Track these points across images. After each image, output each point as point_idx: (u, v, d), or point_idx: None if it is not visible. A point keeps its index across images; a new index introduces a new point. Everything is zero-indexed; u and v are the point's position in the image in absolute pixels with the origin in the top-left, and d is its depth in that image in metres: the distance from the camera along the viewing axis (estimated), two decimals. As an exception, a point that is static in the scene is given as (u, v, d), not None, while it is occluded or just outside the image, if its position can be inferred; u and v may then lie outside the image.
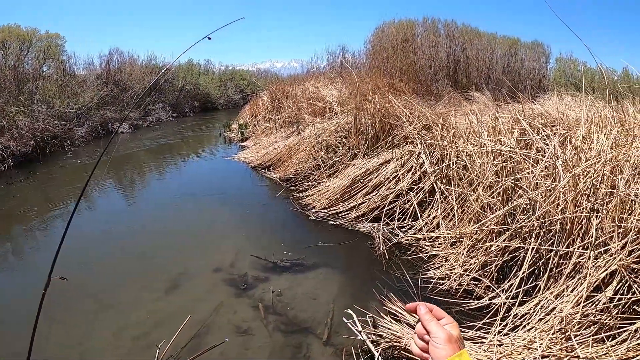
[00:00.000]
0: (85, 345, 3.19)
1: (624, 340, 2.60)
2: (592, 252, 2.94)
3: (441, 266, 4.12)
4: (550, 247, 3.27)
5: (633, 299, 2.70)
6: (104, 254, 4.86)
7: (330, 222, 5.49)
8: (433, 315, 0.99)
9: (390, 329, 3.06)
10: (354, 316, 3.24)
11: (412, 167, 5.48)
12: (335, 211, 5.74)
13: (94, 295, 3.93)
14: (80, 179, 8.50)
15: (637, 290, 2.67)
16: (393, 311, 3.30)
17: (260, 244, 4.92)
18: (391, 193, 5.40)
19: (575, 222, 3.22)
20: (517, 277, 3.38)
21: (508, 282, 3.46)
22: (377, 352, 2.90)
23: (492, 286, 3.52)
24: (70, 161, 10.15)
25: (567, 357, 2.54)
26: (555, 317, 2.83)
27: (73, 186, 7.94)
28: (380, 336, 3.07)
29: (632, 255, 2.77)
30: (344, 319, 3.30)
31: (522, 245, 3.50)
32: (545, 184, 3.52)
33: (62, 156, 10.61)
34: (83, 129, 12.75)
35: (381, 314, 3.25)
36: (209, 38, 3.23)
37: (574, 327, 2.72)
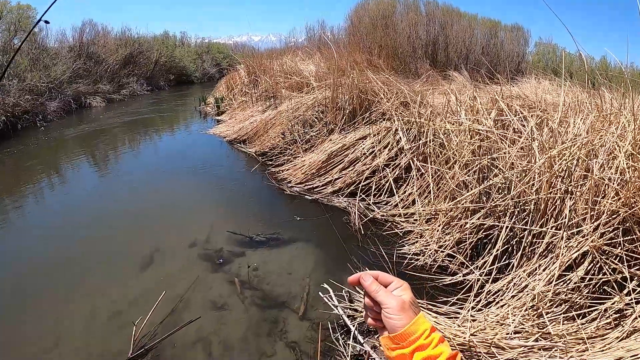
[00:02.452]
0: (59, 330, 3.12)
1: (594, 319, 2.67)
2: (564, 233, 2.99)
3: (416, 242, 4.16)
4: (524, 227, 3.32)
5: (603, 279, 2.76)
6: (74, 233, 4.76)
7: (306, 196, 5.49)
8: (380, 283, 0.97)
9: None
10: (330, 291, 3.26)
11: (388, 143, 5.49)
12: (311, 186, 5.73)
13: (66, 276, 3.87)
14: (52, 154, 8.35)
15: (608, 271, 2.74)
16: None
17: (236, 218, 4.90)
18: (367, 169, 5.41)
19: (549, 203, 3.26)
20: (491, 254, 3.43)
21: (482, 259, 3.50)
22: (353, 326, 2.93)
23: (467, 263, 3.57)
24: (42, 136, 9.91)
25: (539, 334, 2.60)
26: (527, 295, 2.89)
27: (45, 162, 7.78)
28: (356, 310, 3.10)
29: (604, 237, 2.83)
30: (320, 293, 3.32)
31: (497, 223, 3.54)
32: (521, 164, 3.55)
33: (34, 131, 10.35)
34: (55, 103, 12.42)
35: (357, 288, 3.27)
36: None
37: (545, 304, 2.78)
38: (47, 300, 3.50)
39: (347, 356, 2.74)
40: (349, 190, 5.40)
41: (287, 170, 6.34)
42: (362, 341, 2.81)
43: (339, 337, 2.91)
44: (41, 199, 5.87)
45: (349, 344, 2.82)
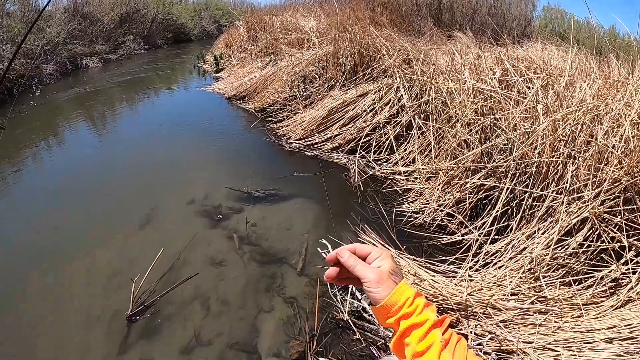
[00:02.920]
0: (59, 290, 3.15)
1: (590, 286, 2.68)
2: (565, 198, 2.98)
3: (416, 200, 4.15)
4: (525, 189, 3.30)
5: (601, 247, 2.77)
6: (71, 193, 4.75)
7: (306, 152, 5.46)
8: (358, 255, 0.98)
9: (364, 261, 3.09)
10: (329, 246, 3.25)
11: (390, 100, 5.43)
12: (310, 142, 5.69)
13: (65, 236, 3.87)
14: (50, 117, 8.25)
15: (607, 239, 2.73)
16: (367, 242, 3.33)
17: (234, 175, 4.87)
18: (368, 126, 5.36)
19: (551, 167, 3.24)
20: (491, 215, 3.43)
21: (481, 219, 3.50)
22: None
23: (466, 223, 3.57)
24: (39, 100, 9.78)
25: (535, 297, 2.61)
26: (525, 257, 2.89)
27: (42, 125, 7.70)
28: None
29: (604, 205, 2.82)
30: (318, 249, 3.32)
31: (497, 184, 3.52)
32: (524, 125, 3.51)
33: (30, 95, 10.21)
34: (51, 65, 12.18)
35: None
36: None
37: (543, 268, 2.79)
38: (46, 260, 3.51)
39: (345, 312, 2.75)
40: (349, 146, 5.36)
41: (287, 126, 6.28)
42: (359, 297, 2.82)
43: (337, 292, 2.93)
44: (39, 161, 5.82)
45: (346, 299, 2.84)
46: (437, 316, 0.89)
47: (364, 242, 3.33)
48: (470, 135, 4.05)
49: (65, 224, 4.10)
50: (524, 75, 4.29)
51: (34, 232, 3.99)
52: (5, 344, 2.71)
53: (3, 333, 2.80)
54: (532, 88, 3.80)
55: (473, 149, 3.90)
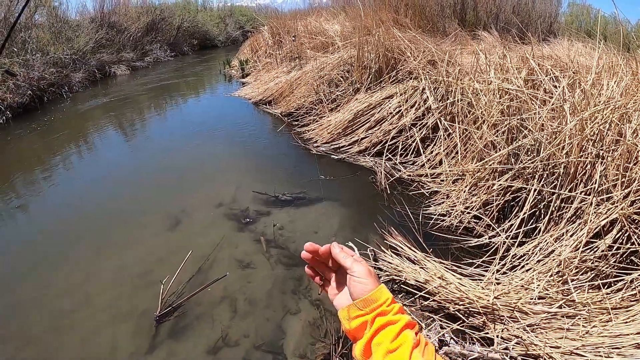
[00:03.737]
0: (89, 287, 3.25)
1: (619, 290, 2.64)
2: (594, 199, 2.94)
3: (442, 203, 4.14)
4: (553, 190, 3.27)
5: (631, 249, 2.72)
6: (102, 196, 4.88)
7: (332, 156, 5.47)
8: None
9: (390, 263, 3.11)
10: (355, 249, 3.25)
11: (415, 102, 5.41)
12: (337, 145, 5.71)
13: (94, 238, 3.97)
14: (80, 124, 8.43)
15: (636, 240, 2.69)
16: (394, 245, 3.34)
17: (261, 178, 4.92)
18: (394, 128, 5.36)
19: (580, 167, 3.20)
20: (518, 217, 3.40)
21: (508, 222, 3.47)
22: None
23: (493, 225, 3.55)
24: (69, 107, 9.99)
25: (563, 300, 2.58)
26: (553, 260, 2.86)
27: (73, 131, 7.87)
28: (381, 269, 3.12)
29: (634, 206, 2.78)
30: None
31: (525, 186, 3.49)
32: (551, 125, 3.47)
33: (60, 103, 10.43)
34: (80, 74, 12.46)
35: (382, 247, 3.30)
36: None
37: (571, 271, 2.76)
38: (79, 258, 3.63)
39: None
40: (375, 149, 5.36)
41: (313, 130, 6.31)
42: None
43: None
44: (70, 166, 5.97)
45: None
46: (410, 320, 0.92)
47: (390, 244, 3.35)
48: (496, 136, 4.02)
49: (96, 224, 4.23)
50: (550, 74, 4.24)
51: (65, 231, 4.13)
52: (36, 338, 2.80)
53: (34, 327, 2.90)
54: (559, 87, 3.76)
55: (500, 150, 3.87)
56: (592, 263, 2.77)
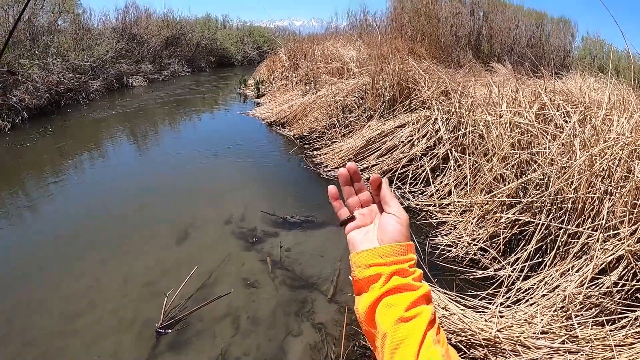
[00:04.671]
0: (94, 293, 3.29)
1: (623, 327, 2.62)
2: (601, 235, 2.94)
3: (449, 233, 4.14)
4: (560, 225, 3.27)
5: (637, 286, 2.71)
6: (113, 206, 4.96)
7: (382, 178, 5.49)
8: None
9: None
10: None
11: (427, 132, 5.45)
12: (347, 172, 5.72)
13: (103, 244, 4.04)
14: (94, 131, 8.56)
15: (642, 277, 2.69)
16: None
17: (271, 199, 4.95)
18: (405, 157, 5.39)
19: (587, 203, 3.21)
20: (525, 251, 3.40)
21: (515, 255, 3.47)
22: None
23: (499, 258, 3.54)
24: (85, 113, 10.17)
25: (566, 336, 2.57)
26: (558, 295, 2.85)
27: (87, 137, 8.00)
28: (385, 298, 3.11)
29: (641, 242, 2.78)
30: (350, 277, 3.34)
31: (532, 220, 3.50)
32: (560, 160, 3.49)
33: (77, 109, 10.64)
34: (98, 82, 12.78)
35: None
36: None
37: (575, 307, 2.75)
38: (86, 264, 3.70)
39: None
40: (385, 177, 5.36)
41: (325, 154, 6.36)
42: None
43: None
44: (81, 173, 6.10)
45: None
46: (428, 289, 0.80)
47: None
48: (506, 169, 4.04)
49: (106, 231, 4.31)
50: (561, 109, 4.27)
51: (75, 236, 4.20)
52: (39, 340, 2.84)
53: (38, 328, 2.94)
54: (570, 122, 3.79)
55: (509, 183, 3.89)
56: (597, 299, 2.76)
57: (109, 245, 4.00)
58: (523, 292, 3.09)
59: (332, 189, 0.94)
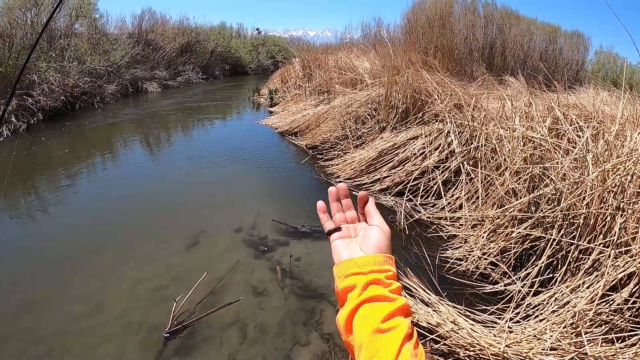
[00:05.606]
0: (102, 296, 3.33)
1: (633, 344, 2.60)
2: (612, 251, 2.93)
3: (460, 247, 4.13)
4: (571, 241, 3.26)
5: (647, 304, 2.70)
6: (125, 210, 5.03)
7: (354, 192, 5.46)
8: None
9: (404, 304, 3.10)
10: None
11: (440, 145, 5.46)
12: (359, 182, 5.76)
13: (113, 248, 4.08)
14: (107, 135, 8.65)
15: (654, 295, 2.67)
16: (408, 286, 3.34)
17: (282, 208, 4.97)
18: (417, 169, 5.39)
19: (599, 219, 3.19)
20: (535, 266, 3.39)
21: (525, 270, 3.46)
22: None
23: (509, 272, 3.53)
24: (99, 117, 10.29)
25: (576, 353, 2.56)
26: (568, 312, 2.84)
27: (100, 140, 8.09)
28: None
29: (653, 259, 2.76)
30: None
31: (544, 235, 3.49)
32: (573, 176, 3.48)
33: (91, 112, 10.77)
34: (113, 86, 12.96)
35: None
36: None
37: (585, 323, 2.73)
38: (96, 266, 3.75)
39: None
40: (396, 189, 5.39)
41: (337, 165, 6.37)
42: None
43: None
44: (93, 176, 6.18)
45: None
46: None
47: (405, 284, 3.35)
48: (518, 183, 4.03)
49: (115, 236, 4.36)
50: (574, 124, 4.26)
51: (85, 240, 4.25)
52: (46, 338, 2.88)
53: (46, 326, 2.99)
54: (582, 137, 3.77)
55: (520, 197, 3.88)
56: (607, 316, 2.74)
57: (120, 249, 4.05)
58: (533, 308, 3.07)
59: (320, 203, 0.98)
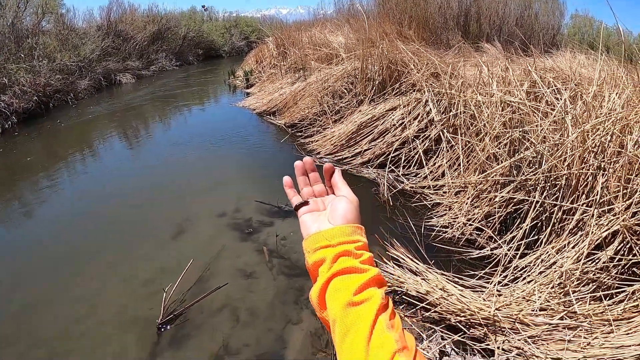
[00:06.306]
0: (98, 295, 3.30)
1: (621, 301, 2.63)
2: (595, 210, 2.94)
3: (445, 214, 4.14)
4: (555, 202, 3.28)
5: (633, 260, 2.72)
6: (108, 206, 4.94)
7: (335, 167, 5.46)
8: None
9: (392, 274, 3.11)
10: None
11: (418, 114, 5.44)
12: (340, 157, 5.74)
13: (102, 247, 4.02)
14: (84, 131, 8.51)
15: (638, 252, 2.69)
16: (395, 256, 3.34)
17: (265, 189, 4.93)
18: (397, 140, 5.38)
19: (581, 179, 3.20)
20: (520, 229, 3.41)
21: (510, 234, 3.48)
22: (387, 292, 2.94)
23: (495, 237, 3.55)
24: (74, 114, 10.09)
25: (565, 312, 2.58)
26: (555, 272, 2.86)
27: (78, 138, 7.98)
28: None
29: (635, 217, 2.78)
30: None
31: (527, 198, 3.50)
32: (553, 138, 3.49)
33: (66, 110, 10.54)
34: (86, 81, 12.64)
35: (384, 259, 3.29)
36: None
37: (572, 283, 2.76)
38: (87, 266, 3.69)
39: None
40: (378, 161, 5.38)
41: (317, 141, 6.34)
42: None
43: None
44: (74, 173, 6.10)
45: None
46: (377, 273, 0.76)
47: (392, 255, 3.36)
48: (498, 148, 4.03)
49: (102, 234, 4.28)
50: (552, 86, 4.25)
51: (72, 242, 4.17)
52: (46, 341, 2.84)
53: (45, 329, 2.95)
54: (561, 99, 3.77)
55: (502, 162, 3.89)
56: (594, 275, 2.77)
57: (108, 247, 4.00)
58: (520, 270, 3.09)
59: (286, 178, 0.97)
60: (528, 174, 3.55)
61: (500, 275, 3.04)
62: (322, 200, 0.94)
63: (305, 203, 0.93)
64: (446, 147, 4.94)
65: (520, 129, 3.82)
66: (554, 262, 2.96)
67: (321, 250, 0.79)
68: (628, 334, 2.38)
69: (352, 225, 0.81)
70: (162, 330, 2.89)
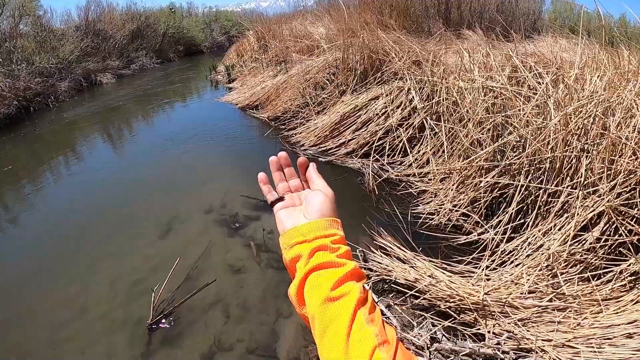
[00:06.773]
0: (84, 298, 3.25)
1: (609, 281, 2.66)
2: (580, 192, 2.96)
3: (431, 201, 4.15)
4: (540, 185, 3.29)
5: (619, 240, 2.74)
6: (94, 207, 4.86)
7: (320, 159, 5.47)
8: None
9: (380, 263, 3.11)
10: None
11: (401, 103, 5.43)
12: (324, 148, 5.72)
13: (87, 248, 3.97)
14: (67, 133, 8.41)
15: (624, 232, 2.72)
16: (383, 245, 3.34)
17: (250, 183, 4.88)
18: (380, 129, 5.37)
19: (565, 162, 3.22)
20: (506, 213, 3.42)
21: (497, 218, 3.49)
22: (368, 285, 2.94)
23: (481, 222, 3.56)
24: (56, 117, 9.94)
25: (553, 294, 2.60)
26: (542, 255, 2.88)
27: (60, 140, 7.87)
28: (371, 270, 3.11)
29: (620, 198, 2.80)
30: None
31: (512, 182, 3.51)
32: (536, 121, 3.50)
33: (47, 113, 10.38)
34: (66, 83, 12.41)
35: (371, 248, 3.29)
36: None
37: (560, 264, 2.77)
38: (74, 268, 3.64)
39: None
40: (362, 151, 5.37)
41: (300, 133, 6.31)
42: (376, 300, 2.82)
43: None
44: (58, 176, 6.00)
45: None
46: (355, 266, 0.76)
47: (380, 244, 3.35)
48: (482, 134, 4.04)
49: (88, 235, 4.21)
50: (533, 71, 4.26)
51: (60, 244, 4.12)
52: (34, 350, 2.80)
53: (32, 339, 2.89)
54: (542, 83, 3.78)
55: (486, 147, 3.89)
56: (581, 256, 2.78)
57: (94, 248, 3.94)
58: (508, 254, 3.10)
59: (261, 174, 0.97)
60: (512, 158, 3.56)
61: (488, 259, 3.04)
62: (299, 195, 0.94)
63: (281, 199, 0.93)
64: (430, 135, 4.94)
65: (503, 114, 3.83)
66: (541, 245, 2.98)
67: (297, 246, 0.79)
68: (617, 313, 2.40)
69: (327, 219, 0.81)
70: (153, 330, 2.86)
